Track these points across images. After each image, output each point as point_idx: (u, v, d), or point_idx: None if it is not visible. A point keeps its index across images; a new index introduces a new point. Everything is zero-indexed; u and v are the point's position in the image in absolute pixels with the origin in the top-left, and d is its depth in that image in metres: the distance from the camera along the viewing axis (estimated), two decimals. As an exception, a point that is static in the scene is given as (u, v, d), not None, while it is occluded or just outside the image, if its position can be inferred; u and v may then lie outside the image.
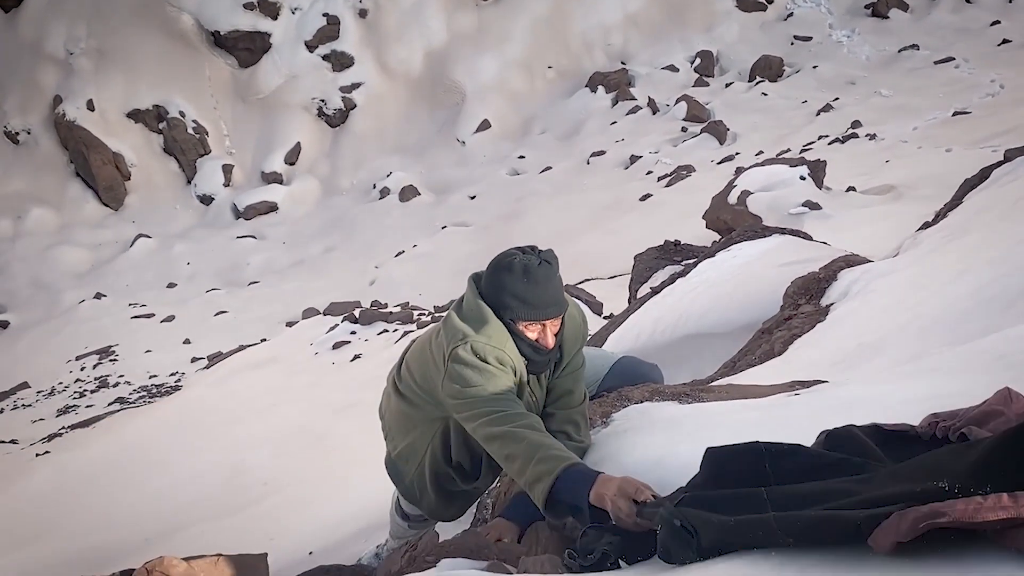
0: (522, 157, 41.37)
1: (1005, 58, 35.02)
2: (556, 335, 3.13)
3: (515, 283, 3.01)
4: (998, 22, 39.12)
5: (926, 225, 6.84)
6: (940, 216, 6.79)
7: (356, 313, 19.14)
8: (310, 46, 47.98)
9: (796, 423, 2.99)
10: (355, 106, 46.52)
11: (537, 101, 44.47)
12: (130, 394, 23.10)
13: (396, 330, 17.48)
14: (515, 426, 2.90)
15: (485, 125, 43.59)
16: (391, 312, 19.46)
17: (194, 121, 46.74)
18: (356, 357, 16.22)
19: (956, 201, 6.87)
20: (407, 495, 3.66)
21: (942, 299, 4.89)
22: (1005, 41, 37.07)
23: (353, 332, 17.94)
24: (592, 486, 2.63)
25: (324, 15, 48.11)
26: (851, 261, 6.44)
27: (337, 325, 18.76)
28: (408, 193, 41.08)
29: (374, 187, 42.82)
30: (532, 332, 3.07)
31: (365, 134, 45.48)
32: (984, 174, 7.00)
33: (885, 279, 5.65)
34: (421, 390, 3.31)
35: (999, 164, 7.04)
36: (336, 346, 17.32)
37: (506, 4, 47.13)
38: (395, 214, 40.07)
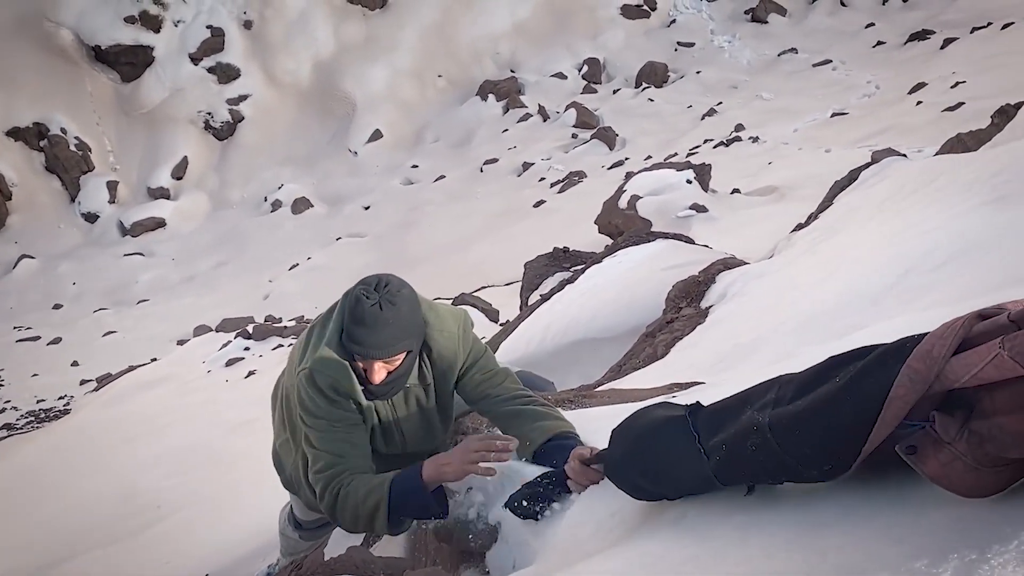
0: (415, 166, 41.33)
1: (880, 59, 36.15)
2: (394, 371, 3.20)
3: (350, 322, 3.07)
4: (872, 24, 40.35)
5: (799, 227, 7.09)
6: (812, 218, 7.06)
7: (249, 329, 18.90)
8: (194, 59, 47.19)
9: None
10: (243, 118, 45.91)
11: (428, 110, 44.48)
12: (17, 420, 22.49)
13: (291, 345, 17.30)
14: (335, 490, 3.08)
15: (377, 135, 43.44)
16: (286, 327, 19.28)
17: (76, 138, 45.56)
18: (251, 373, 16.03)
19: (827, 203, 7.14)
20: (287, 486, 3.78)
21: (813, 298, 5.08)
22: (879, 43, 38.26)
23: (247, 348, 17.71)
24: (421, 474, 2.95)
25: (208, 27, 47.38)
26: (728, 264, 6.64)
27: (230, 341, 18.49)
28: (300, 205, 40.70)
29: (265, 200, 42.33)
30: (364, 365, 3.15)
31: (254, 146, 44.91)
32: (853, 176, 7.29)
33: (760, 281, 5.85)
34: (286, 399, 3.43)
35: (867, 166, 7.35)
36: (229, 363, 17.07)
37: (393, 13, 47.05)
38: (288, 227, 39.66)
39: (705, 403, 2.33)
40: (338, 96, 45.49)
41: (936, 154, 10.24)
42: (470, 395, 3.43)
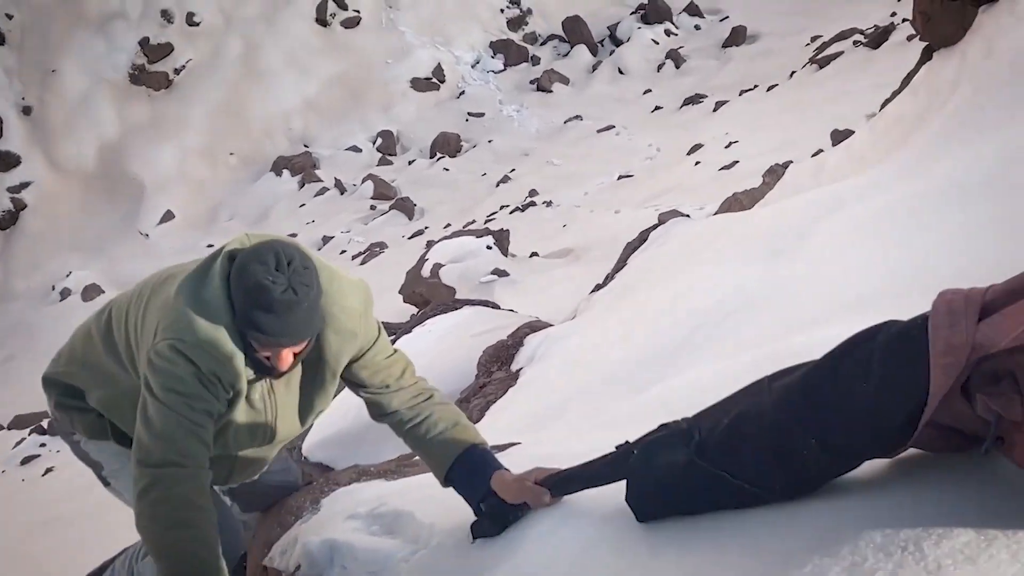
0: (210, 246, 40.33)
1: (659, 123, 37.74)
2: (299, 353, 2.80)
3: (250, 307, 2.61)
4: (650, 91, 42.18)
5: (598, 288, 7.49)
6: (609, 279, 7.47)
7: (44, 424, 18.09)
8: (-29, 147, 45.09)
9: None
10: (26, 206, 43.94)
11: (221, 188, 43.77)
12: None
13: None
14: (161, 498, 2.61)
15: (168, 216, 42.42)
16: (84, 419, 18.52)
17: None
18: (48, 471, 15.33)
19: (621, 264, 7.58)
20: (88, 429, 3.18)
21: (614, 356, 5.41)
22: (657, 108, 39.95)
23: (43, 444, 16.93)
24: None
25: (-15, 114, 45.46)
26: (534, 326, 6.95)
27: (24, 439, 17.66)
28: (91, 292, 39.15)
29: (53, 288, 40.52)
30: (265, 352, 2.74)
31: (39, 235, 43.03)
32: (643, 237, 7.78)
33: (565, 342, 6.16)
34: (124, 339, 2.94)
35: (655, 227, 7.86)
36: (25, 461, 16.30)
37: (180, 93, 46.28)
38: (79, 315, 37.70)
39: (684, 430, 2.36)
40: (126, 178, 44.22)
41: (715, 213, 10.93)
42: (367, 381, 3.03)
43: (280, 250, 2.65)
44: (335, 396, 3.23)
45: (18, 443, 17.37)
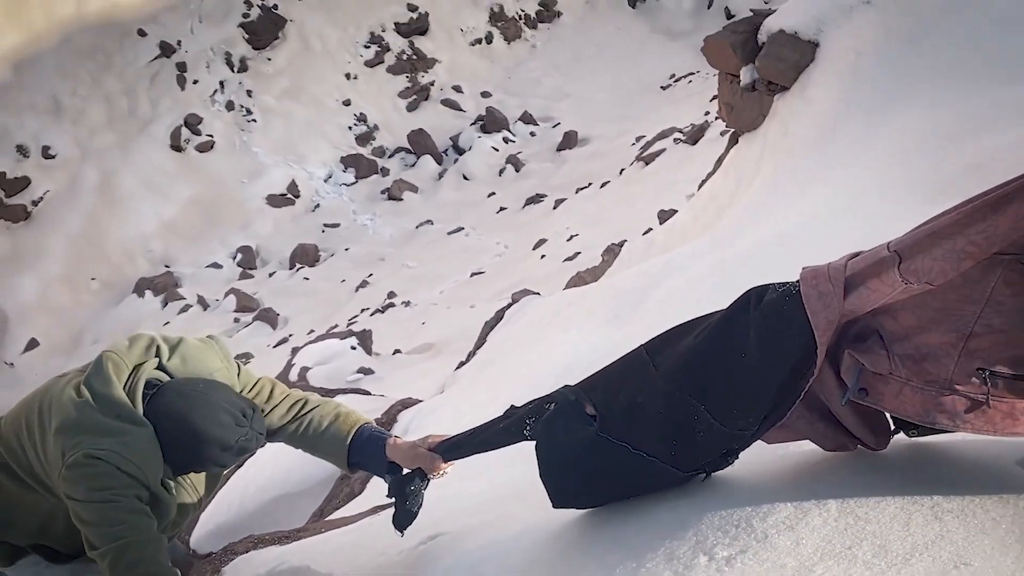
0: (77, 370, 39.17)
1: (504, 223, 38.60)
2: None
3: (217, 454, 2.79)
4: (493, 193, 43.10)
5: (462, 364, 8.03)
6: (471, 355, 8.03)
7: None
8: None
9: (384, 538, 3.45)
10: None
11: (84, 313, 42.77)
12: None
13: None
14: (132, 558, 2.66)
15: (33, 344, 41.23)
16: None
17: None
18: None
19: (482, 340, 8.16)
20: None
21: (482, 419, 5.91)
22: (502, 208, 40.83)
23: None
24: None
25: None
26: (407, 403, 7.39)
27: None
28: (-48, 430, 37.43)
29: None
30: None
31: None
32: (500, 315, 8.39)
33: (435, 413, 6.61)
34: (28, 470, 2.93)
35: (509, 306, 8.48)
36: None
37: (38, 224, 45.33)
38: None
39: (582, 406, 2.49)
40: (-14, 311, 42.86)
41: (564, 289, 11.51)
42: None
43: (227, 405, 2.82)
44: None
45: None
